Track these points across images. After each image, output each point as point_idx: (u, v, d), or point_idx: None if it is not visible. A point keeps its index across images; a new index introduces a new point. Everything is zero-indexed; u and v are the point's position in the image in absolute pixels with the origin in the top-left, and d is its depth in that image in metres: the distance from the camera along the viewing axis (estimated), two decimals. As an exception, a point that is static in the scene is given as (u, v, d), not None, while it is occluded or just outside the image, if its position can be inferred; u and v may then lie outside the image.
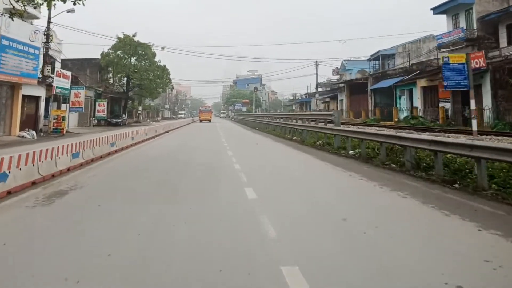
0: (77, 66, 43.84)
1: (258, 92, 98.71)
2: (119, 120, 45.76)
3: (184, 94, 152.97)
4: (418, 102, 30.16)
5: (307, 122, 19.94)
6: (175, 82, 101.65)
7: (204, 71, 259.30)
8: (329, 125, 16.36)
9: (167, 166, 10.32)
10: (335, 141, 15.18)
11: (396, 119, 27.29)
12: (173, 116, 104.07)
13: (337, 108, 55.58)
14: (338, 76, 73.56)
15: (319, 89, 68.42)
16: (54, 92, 27.05)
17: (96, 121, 42.26)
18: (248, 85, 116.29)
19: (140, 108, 67.44)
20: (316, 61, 65.21)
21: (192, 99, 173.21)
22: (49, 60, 24.80)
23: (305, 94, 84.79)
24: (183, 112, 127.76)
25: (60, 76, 27.21)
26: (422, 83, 29.51)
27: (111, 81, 49.48)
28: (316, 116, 18.58)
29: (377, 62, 50.31)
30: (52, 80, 26.44)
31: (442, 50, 29.34)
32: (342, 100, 51.51)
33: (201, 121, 62.87)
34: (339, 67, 71.35)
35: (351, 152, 13.55)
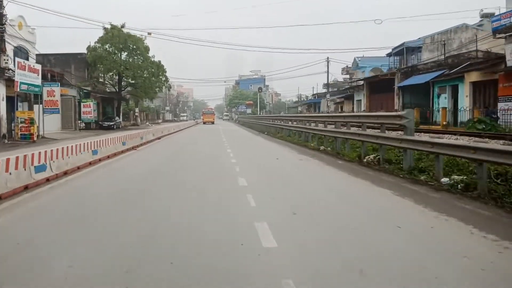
0: (61, 62, 38.67)
1: (261, 93, 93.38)
2: (111, 123, 40.55)
3: (186, 96, 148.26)
4: (465, 101, 24.52)
5: (343, 127, 14.43)
6: (177, 83, 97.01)
7: (203, 67, 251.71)
8: (388, 132, 10.83)
9: (122, 229, 4.77)
10: (405, 159, 9.64)
11: (444, 123, 21.72)
12: (175, 119, 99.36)
13: (353, 110, 49.75)
14: (348, 76, 68.06)
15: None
16: (18, 89, 21.74)
17: (83, 125, 36.91)
18: (251, 85, 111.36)
19: (137, 109, 62.51)
20: (327, 58, 59.57)
21: (194, 100, 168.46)
22: (4, 47, 19.40)
23: (313, 95, 79.24)
24: (185, 114, 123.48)
25: (24, 69, 21.81)
26: (473, 77, 23.87)
27: (101, 79, 44.06)
28: (367, 119, 12.64)
29: (397, 57, 44.86)
30: (14, 74, 21.14)
31: (498, 35, 23.74)
32: (360, 100, 45.87)
33: (204, 123, 64.06)
34: (350, 65, 66.08)
35: (444, 180, 8.03)
